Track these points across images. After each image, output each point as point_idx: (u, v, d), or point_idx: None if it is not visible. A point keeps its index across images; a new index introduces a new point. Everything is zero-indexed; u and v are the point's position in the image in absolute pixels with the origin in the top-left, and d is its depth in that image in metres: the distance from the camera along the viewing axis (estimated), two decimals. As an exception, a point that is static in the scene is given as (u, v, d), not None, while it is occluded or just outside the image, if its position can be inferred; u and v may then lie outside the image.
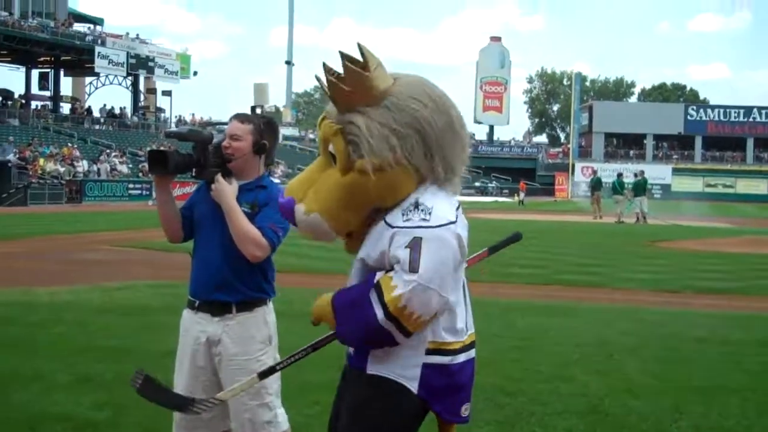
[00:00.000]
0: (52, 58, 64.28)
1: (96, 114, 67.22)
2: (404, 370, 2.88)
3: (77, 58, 63.58)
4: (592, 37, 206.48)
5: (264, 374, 3.47)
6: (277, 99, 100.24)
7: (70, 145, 53.95)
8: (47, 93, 66.71)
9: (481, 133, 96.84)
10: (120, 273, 14.41)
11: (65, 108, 67.49)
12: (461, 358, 2.94)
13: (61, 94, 67.85)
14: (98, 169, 50.92)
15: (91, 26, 68.97)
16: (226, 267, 4.09)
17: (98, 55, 62.36)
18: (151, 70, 68.30)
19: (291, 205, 2.95)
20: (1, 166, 44.59)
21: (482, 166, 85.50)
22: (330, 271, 14.35)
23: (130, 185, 49.64)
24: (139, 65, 66.67)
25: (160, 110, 72.20)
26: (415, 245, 2.75)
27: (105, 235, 23.17)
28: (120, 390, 6.00)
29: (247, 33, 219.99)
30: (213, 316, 4.12)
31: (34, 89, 66.56)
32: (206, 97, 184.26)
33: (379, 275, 2.81)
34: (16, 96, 63.84)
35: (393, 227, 2.80)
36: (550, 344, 8.83)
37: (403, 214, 2.81)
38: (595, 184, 41.16)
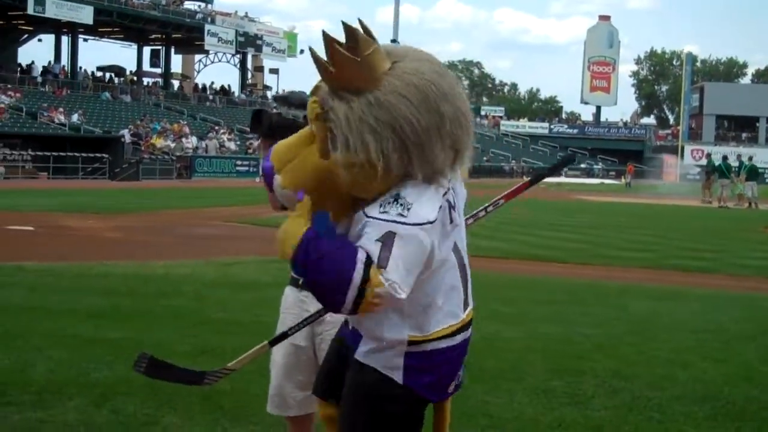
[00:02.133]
0: (164, 36, 65.56)
1: (205, 91, 68.40)
2: (390, 361, 2.82)
3: (187, 35, 64.74)
4: (703, 16, 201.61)
5: (275, 341, 3.38)
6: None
7: (180, 121, 55.04)
8: (158, 70, 68.13)
9: (587, 113, 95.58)
10: (231, 248, 14.66)
11: (175, 85, 68.83)
12: (454, 340, 2.86)
13: (172, 71, 69.19)
14: (206, 146, 51.84)
15: (202, 4, 70.07)
16: None
17: (208, 33, 63.39)
18: (258, 48, 69.17)
19: (271, 172, 2.84)
20: (115, 141, 45.75)
21: (588, 148, 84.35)
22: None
23: (238, 162, 50.40)
24: (248, 43, 67.57)
25: (268, 88, 73.07)
26: (388, 239, 2.61)
27: (214, 210, 23.61)
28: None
29: (352, 11, 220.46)
30: None
31: (146, 66, 68.06)
32: (312, 75, 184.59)
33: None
34: (128, 73, 65.36)
35: (368, 217, 2.67)
36: (665, 329, 8.68)
37: (380, 206, 2.66)
38: (710, 168, 40.23)
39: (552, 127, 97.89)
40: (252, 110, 4.22)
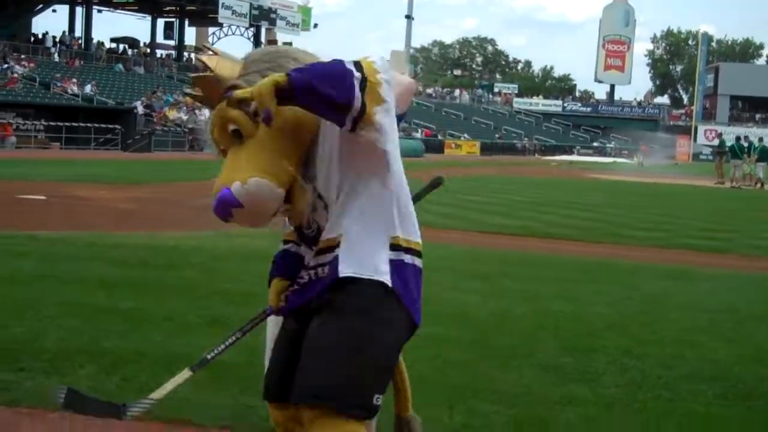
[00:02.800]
0: (178, 8, 65.46)
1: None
2: (375, 264, 2.76)
3: (201, 8, 64.60)
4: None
5: (195, 366, 3.24)
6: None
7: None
8: (172, 42, 68.08)
9: (601, 92, 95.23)
10: (242, 220, 14.64)
11: (189, 57, 68.79)
12: (416, 260, 2.88)
13: (185, 43, 69.08)
14: (220, 118, 51.76)
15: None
16: None
17: (222, 6, 63.22)
18: (272, 22, 68.97)
19: (225, 196, 2.78)
20: (128, 113, 45.78)
21: (601, 126, 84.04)
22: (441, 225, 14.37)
23: (251, 135, 50.32)
24: (261, 16, 67.39)
25: (281, 62, 72.91)
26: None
27: (226, 183, 23.59)
28: (251, 333, 6.12)
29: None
30: None
31: (159, 38, 68.02)
32: (326, 50, 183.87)
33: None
34: (141, 45, 65.30)
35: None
36: (676, 309, 8.65)
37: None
38: (721, 148, 40.15)
39: (565, 105, 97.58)
40: None
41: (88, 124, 43.99)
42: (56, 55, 55.75)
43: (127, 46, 64.23)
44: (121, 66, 57.88)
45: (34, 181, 21.25)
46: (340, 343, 2.73)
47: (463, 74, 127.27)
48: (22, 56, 50.75)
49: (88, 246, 10.77)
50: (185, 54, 68.42)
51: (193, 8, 65.04)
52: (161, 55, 65.98)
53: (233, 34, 70.92)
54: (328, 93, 2.54)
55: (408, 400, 3.23)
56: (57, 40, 57.84)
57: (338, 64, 2.60)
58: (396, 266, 2.79)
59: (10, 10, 58.55)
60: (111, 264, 9.54)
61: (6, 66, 47.48)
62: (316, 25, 74.92)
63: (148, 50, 64.93)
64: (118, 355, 5.97)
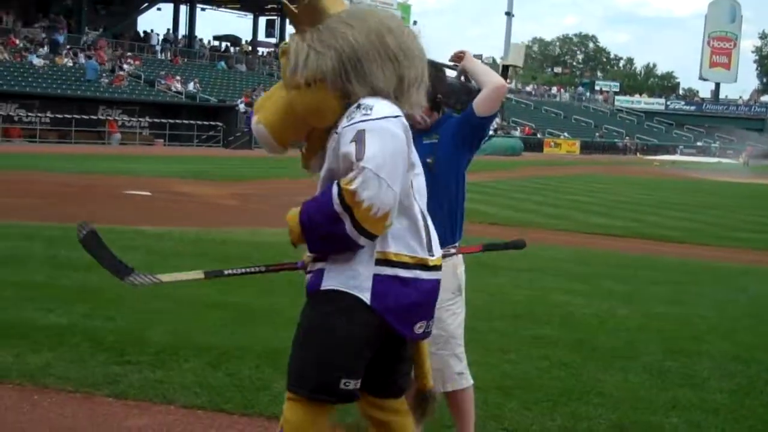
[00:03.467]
0: (279, 6, 66.00)
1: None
2: (356, 280, 2.99)
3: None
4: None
5: (210, 273, 3.55)
6: (494, 50, 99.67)
7: (293, 91, 55.50)
8: (273, 40, 68.80)
9: (705, 90, 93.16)
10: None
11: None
12: (416, 273, 3.05)
13: (287, 40, 69.68)
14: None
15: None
16: None
17: (323, 4, 63.58)
18: (372, 19, 69.11)
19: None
20: (230, 110, 46.46)
21: (705, 125, 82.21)
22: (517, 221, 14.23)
23: (348, 131, 50.51)
24: (361, 14, 67.55)
25: (381, 60, 73.08)
26: (359, 137, 2.87)
27: (326, 180, 23.75)
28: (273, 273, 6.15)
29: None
30: None
31: (261, 36, 68.84)
32: (425, 47, 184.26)
33: None
34: (243, 42, 66.19)
35: (343, 128, 2.94)
36: (785, 313, 8.44)
37: (347, 117, 2.95)
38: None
39: (668, 103, 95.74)
40: None
41: (191, 122, 44.79)
42: (161, 53, 56.90)
43: (229, 44, 65.18)
44: (223, 64, 58.75)
45: (140, 177, 21.73)
46: (300, 333, 3.11)
47: (564, 72, 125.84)
48: (128, 54, 51.88)
49: (194, 242, 10.98)
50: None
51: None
52: (262, 52, 66.75)
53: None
54: (330, 241, 2.98)
55: (425, 376, 3.40)
56: (161, 38, 59.03)
57: (326, 206, 2.96)
58: (379, 280, 3.00)
59: (116, 9, 60.01)
60: (216, 259, 9.69)
61: (114, 64, 48.67)
62: (415, 23, 74.88)
63: (250, 48, 65.77)
64: (222, 349, 6.07)
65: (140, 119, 44.31)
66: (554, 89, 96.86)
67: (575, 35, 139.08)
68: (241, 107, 47.19)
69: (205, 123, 45.11)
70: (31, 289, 7.61)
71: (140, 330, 6.46)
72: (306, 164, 3.30)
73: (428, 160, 3.91)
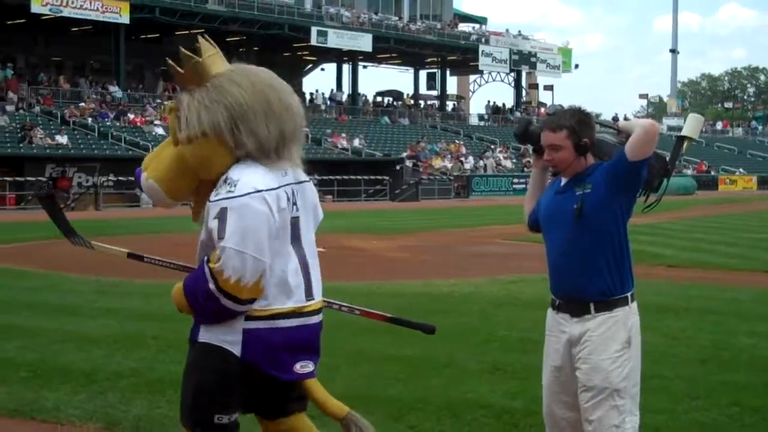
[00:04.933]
0: (439, 59, 66.85)
1: (480, 111, 69.18)
2: (226, 335, 3.27)
3: (462, 57, 65.65)
4: None
5: (132, 255, 3.77)
6: (661, 89, 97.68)
7: (456, 141, 55.86)
8: (434, 92, 69.55)
9: None
10: (513, 266, 14.66)
11: (451, 106, 70.01)
12: (291, 322, 3.32)
13: (447, 92, 70.36)
14: (485, 165, 52.28)
15: (476, 25, 70.95)
16: (577, 265, 3.94)
17: (482, 54, 64.00)
18: (533, 66, 69.07)
19: (137, 175, 3.50)
20: (395, 163, 47.08)
21: None
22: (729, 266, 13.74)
23: (515, 180, 50.36)
24: (522, 61, 67.61)
25: (542, 105, 72.80)
26: (221, 215, 3.14)
27: (494, 229, 23.72)
28: (532, 380, 6.08)
29: (629, 23, 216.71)
30: (572, 316, 3.97)
31: (422, 89, 69.64)
32: (588, 90, 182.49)
33: None
34: (405, 96, 67.14)
35: (210, 202, 3.22)
36: None
37: (215, 190, 3.22)
38: None
39: None
40: (521, 120, 4.29)
41: (358, 177, 45.59)
42: (326, 112, 58.33)
43: (392, 99, 66.26)
44: (386, 118, 59.72)
45: (313, 234, 22.14)
46: (183, 376, 3.45)
47: (735, 106, 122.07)
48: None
49: (368, 295, 11.09)
50: (448, 103, 69.66)
51: (454, 58, 66.21)
52: (424, 105, 67.52)
53: (494, 80, 71.67)
54: (213, 314, 3.29)
55: (329, 407, 3.65)
56: (326, 97, 60.53)
57: (201, 284, 3.25)
58: (249, 334, 3.28)
59: (282, 72, 61.34)
60: (391, 312, 9.74)
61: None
62: (576, 66, 74.35)
63: (412, 101, 66.66)
64: (403, 401, 6.10)
65: (310, 177, 45.19)
66: (719, 124, 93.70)
67: (744, 68, 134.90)
68: (406, 160, 47.76)
69: (372, 177, 45.83)
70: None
71: (323, 383, 6.52)
72: (195, 218, 3.54)
73: (575, 207, 3.89)
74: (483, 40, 65.71)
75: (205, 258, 3.25)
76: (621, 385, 3.88)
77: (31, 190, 32.81)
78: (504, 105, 70.92)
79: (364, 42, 56.35)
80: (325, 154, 48.24)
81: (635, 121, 3.98)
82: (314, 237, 3.53)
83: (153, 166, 3.47)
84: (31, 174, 35.26)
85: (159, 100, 48.50)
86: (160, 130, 42.80)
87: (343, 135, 50.82)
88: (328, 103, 59.81)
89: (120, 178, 36.61)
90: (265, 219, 3.19)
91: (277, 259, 3.26)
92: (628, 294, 3.97)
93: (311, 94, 60.55)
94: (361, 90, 62.69)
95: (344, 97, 61.37)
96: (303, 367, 3.41)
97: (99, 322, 9.17)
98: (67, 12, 43.69)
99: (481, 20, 74.53)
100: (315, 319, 3.45)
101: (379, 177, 45.93)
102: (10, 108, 41.10)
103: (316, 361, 3.49)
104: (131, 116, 44.11)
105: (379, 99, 65.78)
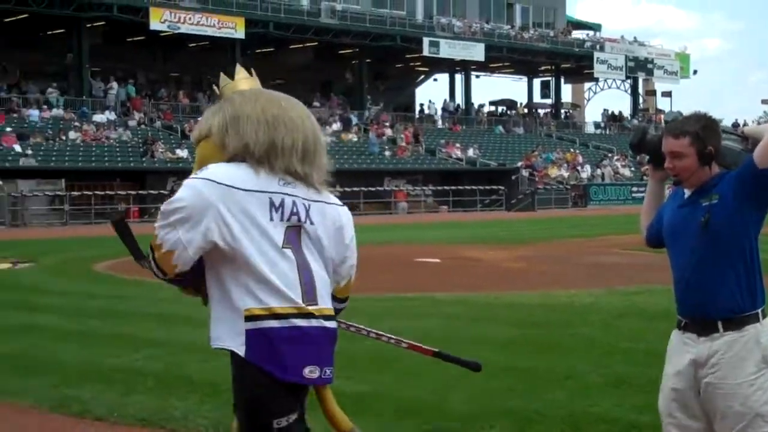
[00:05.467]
0: (553, 67, 66.23)
1: (596, 118, 68.31)
2: (233, 337, 3.32)
3: (576, 65, 64.94)
4: None
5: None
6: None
7: (572, 150, 55.25)
8: (548, 101, 68.94)
9: None
10: (634, 276, 14.39)
11: (565, 114, 69.28)
12: (293, 322, 3.32)
13: (562, 100, 69.66)
14: (602, 174, 51.57)
15: (590, 32, 70.10)
16: (703, 281, 3.72)
17: (597, 61, 63.17)
18: (649, 72, 67.84)
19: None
20: (510, 173, 46.86)
21: None
22: None
23: (634, 188, 49.53)
24: (638, 68, 66.50)
25: (660, 112, 71.42)
26: (177, 188, 3.46)
27: (613, 238, 23.31)
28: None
29: (748, 28, 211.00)
30: (699, 336, 3.73)
31: (536, 98, 69.13)
32: (707, 96, 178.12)
33: None
34: (519, 105, 66.75)
35: None
36: None
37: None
38: None
39: None
40: (636, 128, 4.14)
41: (473, 187, 45.47)
42: (440, 122, 58.40)
43: (505, 108, 65.94)
44: (500, 128, 59.43)
45: (428, 245, 22.20)
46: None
47: None
48: (408, 125, 53.58)
49: (485, 306, 11.05)
50: (563, 111, 68.97)
51: (568, 65, 65.51)
52: (539, 114, 66.98)
53: (609, 87, 70.64)
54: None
55: (336, 420, 3.57)
56: (440, 107, 60.63)
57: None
58: (252, 335, 3.31)
59: (394, 83, 62.30)
60: (508, 324, 9.70)
61: (396, 136, 50.45)
62: (695, 72, 72.76)
63: (526, 110, 66.20)
64: (522, 415, 6.03)
65: (424, 188, 45.51)
66: None
67: None
68: (522, 169, 47.47)
69: (487, 188, 45.67)
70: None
71: (442, 397, 6.52)
72: None
73: (702, 220, 3.70)
74: (597, 47, 64.86)
75: None
76: (764, 409, 3.64)
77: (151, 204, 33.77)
78: (620, 112, 69.82)
79: (476, 51, 56.24)
80: (439, 164, 48.34)
81: (763, 126, 3.79)
82: (333, 255, 3.62)
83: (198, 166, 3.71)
84: (153, 187, 36.36)
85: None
86: (275, 142, 43.48)
87: (457, 145, 50.81)
88: (442, 113, 59.87)
89: (238, 190, 37.26)
90: (206, 205, 3.34)
91: (255, 260, 3.35)
92: (759, 310, 3.73)
93: (421, 105, 60.84)
94: (474, 99, 62.61)
95: (457, 107, 61.37)
96: (312, 372, 3.41)
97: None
98: (184, 29, 44.84)
99: (596, 27, 73.56)
100: (321, 323, 3.44)
101: (494, 187, 45.74)
102: (132, 123, 42.36)
103: (327, 367, 3.44)
104: (247, 129, 44.86)
105: (492, 108, 65.53)
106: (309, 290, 3.43)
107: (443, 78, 65.34)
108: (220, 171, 3.39)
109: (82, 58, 42.96)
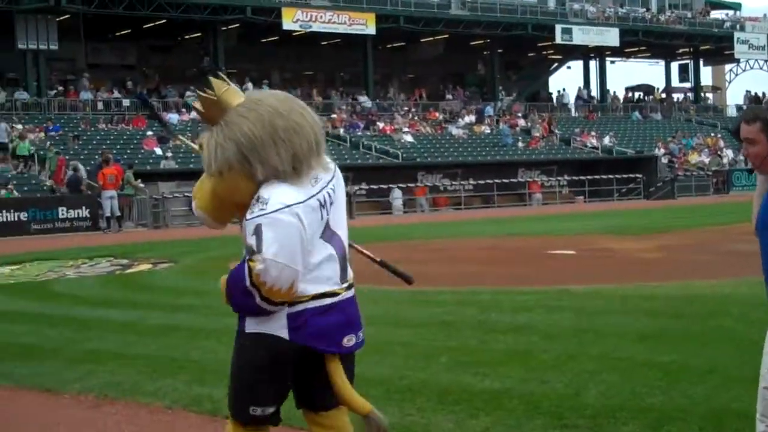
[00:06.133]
0: (691, 49, 64.34)
1: (738, 101, 66.07)
2: (273, 323, 3.59)
3: (716, 46, 62.93)
4: None
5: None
6: None
7: (713, 135, 53.67)
8: (687, 84, 67.07)
9: None
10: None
11: (706, 98, 67.33)
12: (328, 301, 3.64)
13: (701, 84, 67.65)
14: (745, 158, 49.90)
15: (729, 12, 67.79)
16: None
17: (737, 41, 61.09)
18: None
19: (191, 202, 3.89)
20: (648, 160, 45.85)
21: None
22: None
23: (780, 173, 47.69)
24: (781, 46, 64.02)
25: (809, 92, 68.61)
26: (257, 231, 3.48)
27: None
28: None
29: None
30: None
31: (674, 82, 67.32)
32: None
33: None
34: (656, 90, 65.17)
35: (246, 221, 3.55)
36: None
37: (249, 210, 3.53)
38: None
39: None
40: (741, 114, 4.00)
41: (610, 176, 44.65)
42: (574, 111, 57.56)
43: (642, 94, 64.44)
44: (637, 114, 58.14)
45: (562, 236, 21.86)
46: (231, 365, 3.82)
47: None
48: (542, 114, 53.02)
49: (622, 298, 10.76)
50: (702, 95, 66.98)
51: (708, 47, 63.50)
52: (677, 98, 65.21)
53: (751, 68, 68.24)
54: (244, 309, 3.70)
55: (348, 399, 3.77)
56: (574, 95, 59.71)
57: (240, 280, 3.61)
58: (292, 317, 3.59)
59: (527, 72, 61.71)
60: (646, 315, 9.43)
61: (529, 127, 50.00)
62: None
63: (664, 95, 64.53)
64: (661, 411, 5.83)
65: (558, 178, 44.93)
66: None
67: None
68: (661, 156, 46.37)
69: (624, 176, 44.77)
70: (465, 353, 7.79)
71: (575, 392, 6.36)
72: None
73: None
74: (738, 26, 62.68)
75: (246, 256, 3.56)
76: None
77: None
78: (764, 94, 67.33)
79: (610, 37, 55.12)
80: (574, 153, 47.63)
81: None
82: (345, 215, 3.84)
83: (199, 197, 3.83)
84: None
85: (406, 108, 49.45)
86: (408, 137, 43.67)
87: (593, 133, 49.98)
88: (576, 101, 58.98)
89: (372, 186, 37.64)
90: (296, 230, 3.51)
91: (309, 257, 3.60)
92: None
93: (558, 92, 60.02)
94: (609, 86, 61.47)
95: (593, 95, 60.35)
96: (348, 340, 3.74)
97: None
98: (316, 27, 45.38)
99: (735, 6, 71.05)
100: (348, 294, 3.77)
101: (631, 175, 44.81)
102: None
103: (359, 331, 3.81)
104: (380, 125, 45.22)
105: (628, 94, 64.17)
106: (343, 269, 3.75)
107: (577, 65, 64.37)
108: (281, 194, 3.55)
109: (217, 60, 43.96)
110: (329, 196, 3.71)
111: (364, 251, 4.29)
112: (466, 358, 7.60)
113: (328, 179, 3.74)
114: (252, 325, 3.66)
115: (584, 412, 5.85)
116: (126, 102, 41.49)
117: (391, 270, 4.47)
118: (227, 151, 3.57)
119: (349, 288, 3.78)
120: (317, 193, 3.64)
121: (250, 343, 3.68)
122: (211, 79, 3.76)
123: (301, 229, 3.52)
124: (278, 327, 3.60)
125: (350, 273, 3.82)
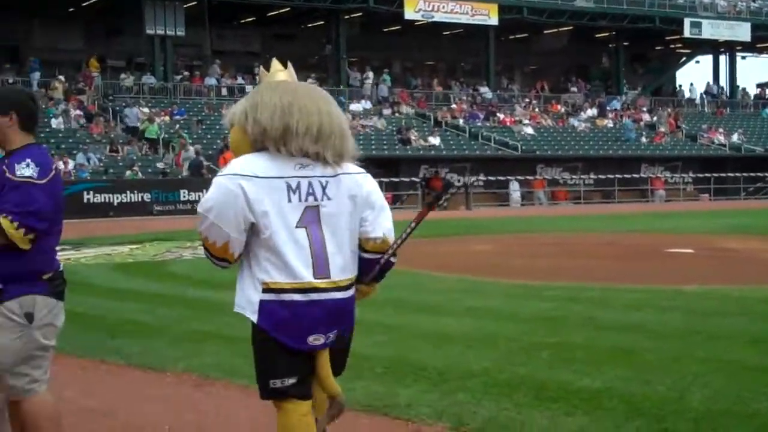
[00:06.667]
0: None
1: None
2: (250, 306, 3.80)
3: None
4: None
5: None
6: None
7: None
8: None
9: None
10: None
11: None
12: (297, 297, 3.74)
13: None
14: None
15: None
16: None
17: None
18: None
19: None
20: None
21: None
22: None
23: None
24: None
25: None
26: (210, 187, 3.80)
27: None
28: None
29: None
30: None
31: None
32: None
33: None
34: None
35: None
36: None
37: None
38: None
39: None
40: None
41: (737, 174, 43.37)
42: (702, 107, 56.04)
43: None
44: (768, 111, 56.33)
45: (682, 235, 21.30)
46: None
47: None
48: (669, 109, 51.81)
49: (738, 300, 10.39)
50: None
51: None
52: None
53: None
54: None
55: (327, 385, 3.93)
56: (702, 91, 58.09)
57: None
58: (264, 304, 3.76)
59: (654, 66, 60.37)
60: (762, 319, 9.07)
61: (654, 119, 48.94)
62: None
63: (797, 92, 62.25)
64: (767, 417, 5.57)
65: (683, 175, 43.86)
66: None
67: None
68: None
69: (752, 175, 43.40)
70: (568, 350, 7.62)
71: (679, 395, 6.14)
72: None
73: None
74: None
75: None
76: None
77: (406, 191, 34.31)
78: None
79: (741, 31, 53.49)
80: (700, 150, 46.45)
81: None
82: (352, 224, 3.91)
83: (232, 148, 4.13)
84: (406, 174, 37.03)
85: (527, 100, 48.94)
86: (529, 130, 43.22)
87: (720, 130, 48.58)
88: (704, 96, 57.40)
89: (490, 177, 37.41)
90: (233, 197, 3.70)
91: (274, 238, 3.74)
92: None
93: (681, 86, 58.52)
94: (739, 82, 59.63)
95: (721, 90, 58.63)
96: (315, 339, 3.81)
97: (458, 321, 9.26)
98: (438, 17, 45.34)
99: None
100: (331, 295, 3.82)
101: (760, 174, 43.43)
102: (387, 111, 43.26)
103: (332, 334, 3.85)
104: (501, 116, 44.88)
105: (759, 91, 62.09)
106: (320, 264, 3.80)
107: (706, 60, 62.56)
108: (242, 163, 3.78)
109: (339, 48, 44.29)
110: (313, 188, 3.82)
111: (402, 238, 4.16)
112: (568, 354, 7.42)
113: (322, 174, 3.84)
114: (236, 304, 3.88)
115: (686, 415, 5.64)
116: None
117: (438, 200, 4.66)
118: (238, 107, 3.92)
119: (337, 288, 3.85)
120: (291, 177, 3.79)
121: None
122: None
123: (240, 197, 3.71)
124: (250, 311, 3.80)
125: (341, 273, 3.86)
